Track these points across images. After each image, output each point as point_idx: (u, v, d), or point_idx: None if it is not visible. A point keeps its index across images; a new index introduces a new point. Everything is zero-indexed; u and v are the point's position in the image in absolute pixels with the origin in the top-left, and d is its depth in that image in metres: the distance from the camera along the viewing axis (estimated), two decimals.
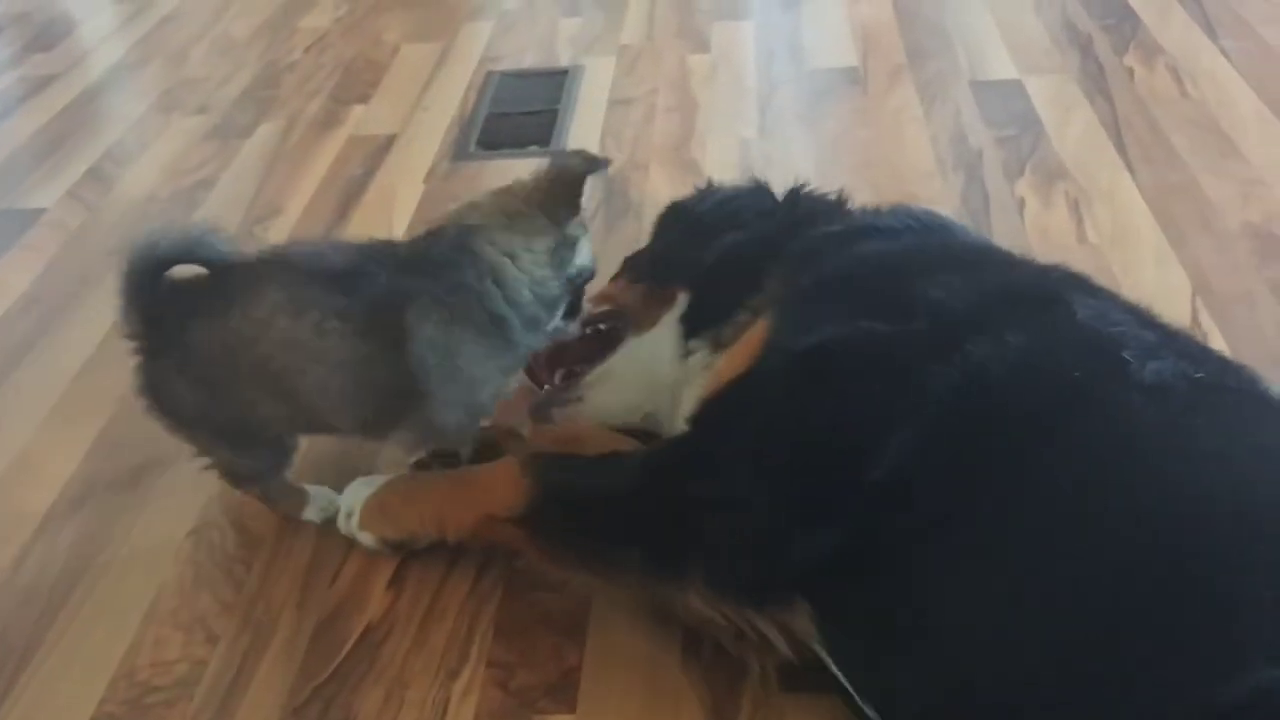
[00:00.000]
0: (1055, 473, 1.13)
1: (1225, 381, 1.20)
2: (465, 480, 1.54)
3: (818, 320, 1.35)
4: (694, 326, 1.57)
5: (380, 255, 1.49)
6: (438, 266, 1.47)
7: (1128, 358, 1.17)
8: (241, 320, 1.45)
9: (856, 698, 1.26)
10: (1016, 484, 1.14)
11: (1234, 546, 1.01)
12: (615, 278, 1.79)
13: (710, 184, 1.81)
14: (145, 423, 1.85)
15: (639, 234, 2.15)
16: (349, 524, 1.57)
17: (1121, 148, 2.34)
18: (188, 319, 1.48)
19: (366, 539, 1.57)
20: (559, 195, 1.51)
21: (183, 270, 1.50)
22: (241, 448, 1.57)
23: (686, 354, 1.57)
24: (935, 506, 1.17)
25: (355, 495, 1.58)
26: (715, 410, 1.38)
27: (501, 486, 1.46)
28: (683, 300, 1.61)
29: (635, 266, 1.78)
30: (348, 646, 1.47)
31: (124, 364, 1.96)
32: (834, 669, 1.28)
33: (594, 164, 1.53)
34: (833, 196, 1.68)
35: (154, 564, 1.62)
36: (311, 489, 1.63)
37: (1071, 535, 1.09)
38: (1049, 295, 1.30)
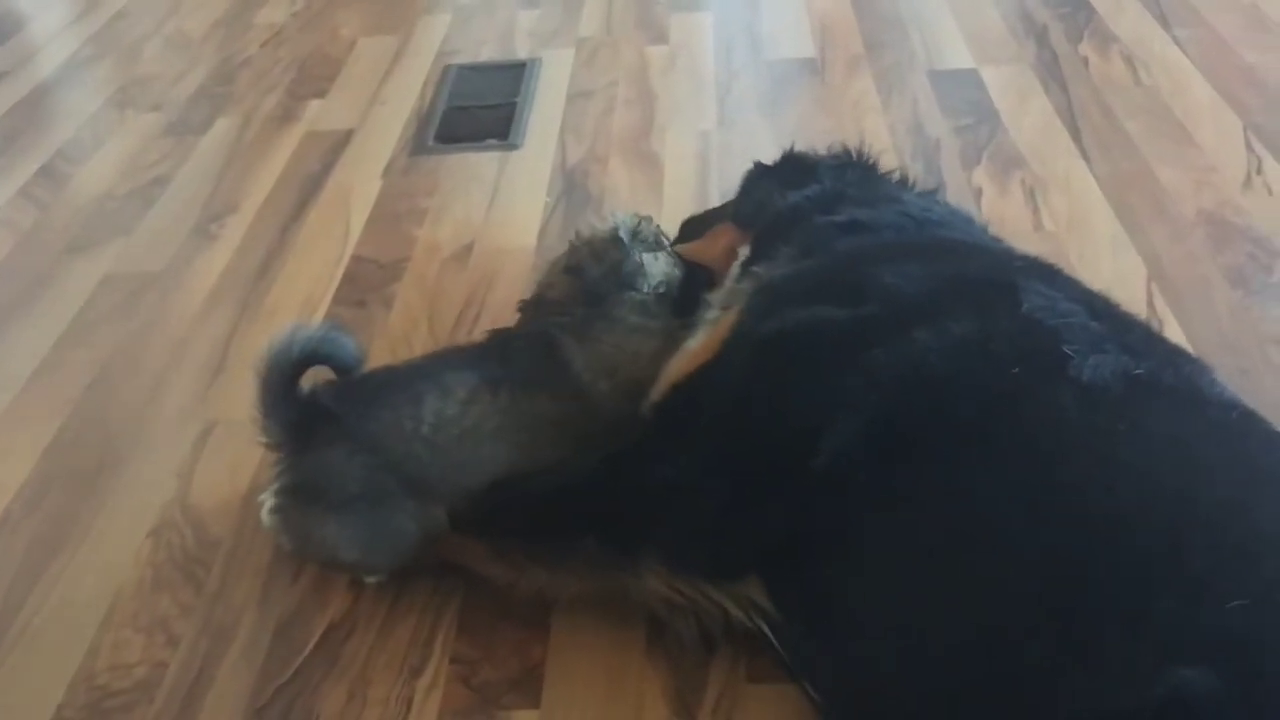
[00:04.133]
0: (978, 472, 1.14)
1: (1162, 379, 1.19)
2: None
3: (782, 308, 1.37)
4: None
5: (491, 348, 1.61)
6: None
7: (1069, 352, 1.18)
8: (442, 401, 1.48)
9: (793, 673, 1.29)
10: (941, 481, 1.16)
11: (1143, 554, 1.01)
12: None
13: (792, 148, 1.86)
14: (102, 424, 1.85)
15: None
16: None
17: (1077, 136, 2.36)
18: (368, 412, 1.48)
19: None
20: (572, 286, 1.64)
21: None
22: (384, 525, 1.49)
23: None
24: (866, 497, 1.19)
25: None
26: (676, 400, 1.41)
27: None
28: (745, 250, 1.64)
29: (720, 215, 1.84)
30: (310, 646, 1.46)
31: (79, 366, 1.97)
32: (776, 645, 1.30)
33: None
34: (896, 173, 1.76)
35: (112, 566, 1.60)
36: None
37: (987, 537, 1.10)
38: (999, 283, 1.31)
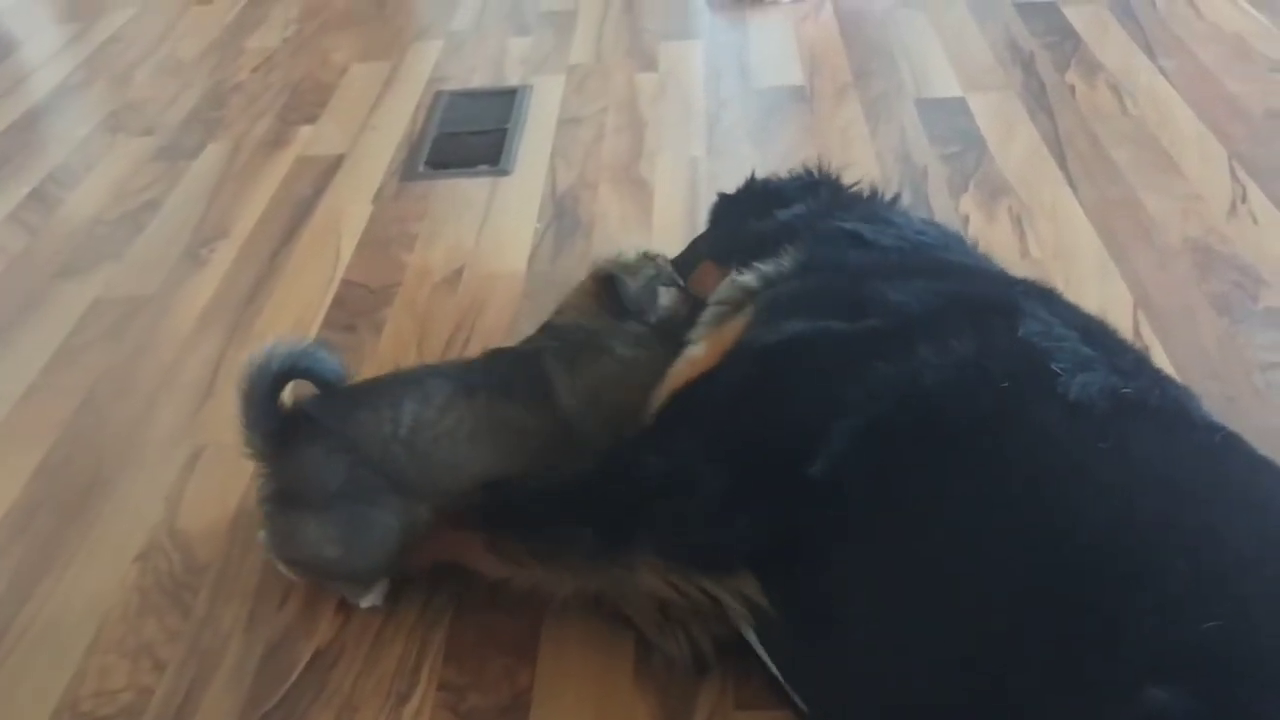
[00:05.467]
0: (964, 487, 1.15)
1: (1149, 400, 1.21)
2: None
3: (787, 321, 1.39)
4: None
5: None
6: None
7: (1057, 370, 1.19)
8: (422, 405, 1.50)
9: (781, 681, 1.30)
10: (928, 496, 1.17)
11: (1121, 574, 1.02)
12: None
13: (753, 175, 1.88)
14: (91, 448, 1.85)
15: (588, 252, 2.17)
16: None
17: (1063, 164, 2.38)
18: (350, 412, 1.50)
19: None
20: (602, 300, 1.64)
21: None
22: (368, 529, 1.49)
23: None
24: (857, 509, 1.20)
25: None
26: (677, 402, 1.42)
27: None
28: (732, 276, 1.63)
29: (695, 251, 1.85)
30: (297, 671, 1.46)
31: (68, 389, 1.97)
32: (764, 654, 1.31)
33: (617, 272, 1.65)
34: (865, 189, 1.76)
35: (99, 591, 1.59)
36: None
37: (970, 553, 1.11)
38: (1000, 305, 1.33)
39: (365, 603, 1.52)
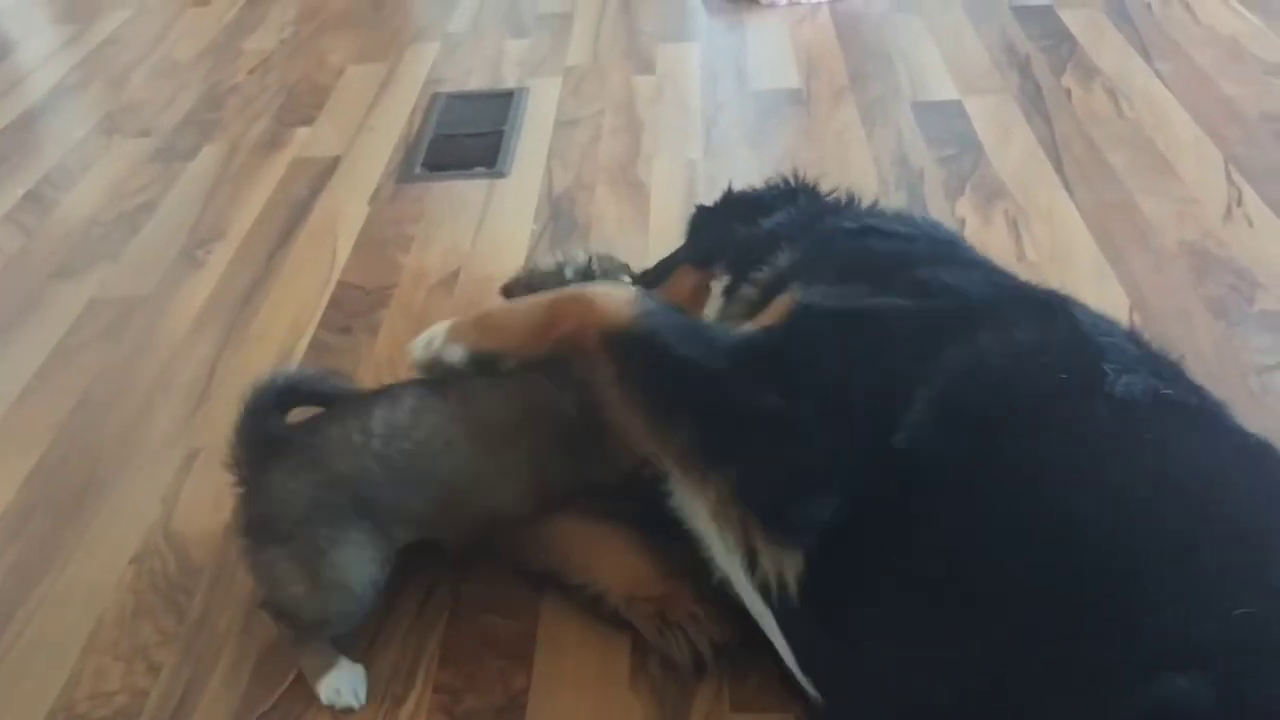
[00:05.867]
0: (1007, 474, 1.14)
1: (1189, 401, 1.22)
2: (574, 295, 1.48)
3: (842, 293, 1.37)
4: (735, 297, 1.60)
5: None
6: None
7: (1107, 369, 1.19)
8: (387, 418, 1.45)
9: (795, 669, 1.28)
10: (973, 481, 1.14)
11: (1154, 562, 1.02)
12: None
13: (730, 187, 1.88)
14: (86, 449, 1.85)
15: None
16: (429, 348, 1.49)
17: (1060, 167, 2.38)
18: (319, 427, 1.47)
19: (455, 351, 1.48)
20: None
21: None
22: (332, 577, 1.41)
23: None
24: (925, 484, 1.16)
25: (436, 328, 1.52)
26: (797, 329, 1.36)
27: (614, 304, 1.40)
28: (725, 278, 1.63)
29: (674, 260, 1.84)
30: (292, 675, 1.45)
31: (64, 390, 1.97)
32: (781, 635, 1.29)
33: None
34: (844, 194, 1.74)
35: (94, 593, 1.59)
36: (344, 660, 1.44)
37: (1001, 543, 1.10)
38: (1054, 300, 1.34)
39: (324, 692, 1.42)
